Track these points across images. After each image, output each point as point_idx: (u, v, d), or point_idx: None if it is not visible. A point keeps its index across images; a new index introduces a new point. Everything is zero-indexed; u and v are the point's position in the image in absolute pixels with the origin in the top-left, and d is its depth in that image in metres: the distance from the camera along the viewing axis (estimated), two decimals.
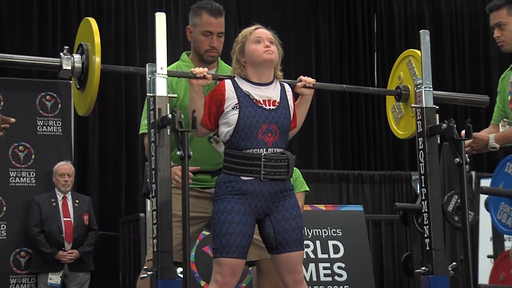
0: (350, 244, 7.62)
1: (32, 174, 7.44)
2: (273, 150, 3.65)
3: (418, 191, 3.88)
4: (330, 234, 7.65)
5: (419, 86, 3.82)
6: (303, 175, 5.66)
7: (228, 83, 3.69)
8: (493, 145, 4.53)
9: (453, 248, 6.46)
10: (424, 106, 3.79)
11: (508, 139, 4.63)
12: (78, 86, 3.61)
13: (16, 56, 3.77)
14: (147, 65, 3.44)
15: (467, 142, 4.39)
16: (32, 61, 3.83)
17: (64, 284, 7.17)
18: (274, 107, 3.67)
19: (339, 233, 7.67)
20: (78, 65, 3.52)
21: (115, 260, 7.80)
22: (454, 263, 3.77)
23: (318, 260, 7.49)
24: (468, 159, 3.73)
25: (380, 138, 9.56)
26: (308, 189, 5.57)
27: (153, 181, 3.35)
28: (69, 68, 3.51)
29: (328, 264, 7.49)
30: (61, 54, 3.52)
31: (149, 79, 3.42)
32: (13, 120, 3.78)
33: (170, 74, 3.49)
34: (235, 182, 3.60)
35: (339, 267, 7.53)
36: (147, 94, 3.41)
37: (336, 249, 7.60)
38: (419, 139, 3.79)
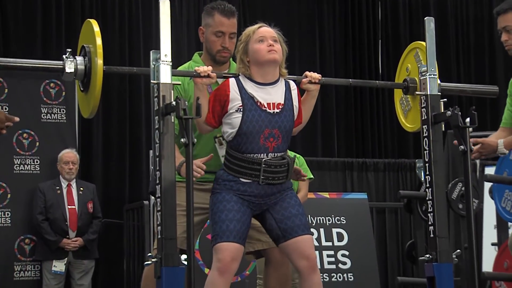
0: (354, 232, 7.62)
1: (36, 162, 7.45)
2: (274, 155, 3.67)
3: (423, 179, 3.88)
4: (334, 222, 7.65)
5: (423, 74, 3.81)
6: (307, 163, 5.67)
7: (232, 82, 3.67)
8: (502, 150, 4.51)
9: (457, 235, 6.45)
10: (428, 93, 3.79)
11: None
12: (81, 89, 3.61)
13: (19, 60, 3.80)
14: (151, 52, 3.44)
15: (475, 147, 4.40)
16: (35, 64, 3.86)
17: (69, 272, 7.19)
18: (278, 111, 3.67)
19: (343, 221, 7.68)
20: (81, 67, 3.51)
21: (119, 248, 7.82)
22: (458, 250, 3.77)
23: (322, 248, 7.49)
24: (473, 147, 3.73)
25: (384, 125, 9.56)
26: (312, 176, 5.58)
27: (157, 168, 3.35)
28: (72, 70, 3.50)
29: (332, 252, 7.50)
30: (63, 56, 3.51)
31: (153, 66, 3.42)
32: (17, 119, 3.80)
33: (174, 73, 3.49)
34: (234, 182, 3.64)
35: (343, 255, 7.54)
36: (151, 81, 3.41)
37: (340, 237, 7.61)
38: (424, 126, 3.79)
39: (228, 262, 3.54)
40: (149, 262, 3.33)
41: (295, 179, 4.08)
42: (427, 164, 3.77)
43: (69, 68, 3.50)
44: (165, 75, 3.40)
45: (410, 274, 8.04)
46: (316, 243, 7.37)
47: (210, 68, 3.67)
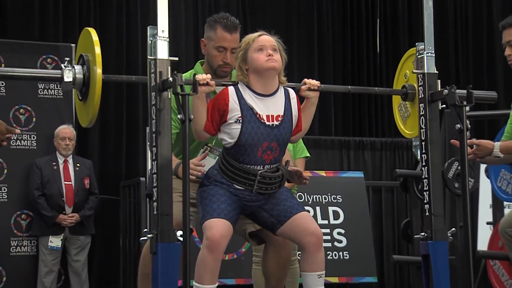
0: (350, 210, 7.65)
1: (33, 137, 7.44)
2: (270, 167, 3.67)
3: (419, 157, 3.88)
4: (330, 200, 7.67)
5: (421, 52, 3.80)
6: (304, 141, 5.66)
7: (231, 92, 3.64)
8: (497, 154, 4.50)
9: (453, 214, 6.47)
10: (426, 71, 3.78)
11: (511, 150, 4.61)
12: (80, 98, 3.59)
13: (17, 69, 3.78)
14: (148, 27, 3.42)
15: (471, 149, 4.40)
16: (33, 73, 3.89)
17: (65, 247, 7.21)
18: (277, 123, 3.65)
19: (339, 199, 7.69)
20: (79, 76, 3.49)
21: (115, 224, 7.83)
22: (454, 229, 3.78)
23: (318, 226, 7.51)
24: (469, 126, 3.73)
25: (381, 104, 9.55)
26: (308, 154, 5.57)
27: (154, 144, 3.35)
28: (71, 80, 3.48)
29: (328, 230, 7.52)
30: (62, 66, 3.50)
31: (150, 42, 3.41)
32: (18, 131, 3.81)
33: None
34: (227, 186, 3.65)
35: (338, 233, 7.56)
36: (148, 57, 3.40)
37: (336, 215, 7.62)
38: (420, 105, 3.79)
39: (217, 239, 3.52)
40: (145, 238, 3.33)
41: (297, 183, 4.08)
42: (423, 143, 3.77)
43: (68, 77, 3.48)
44: (162, 51, 3.38)
45: (406, 252, 8.07)
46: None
47: (209, 76, 3.62)
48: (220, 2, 9.01)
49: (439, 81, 3.79)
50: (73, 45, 7.72)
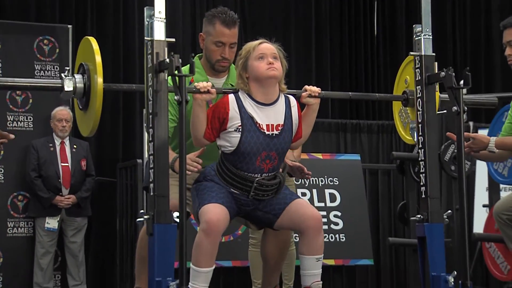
0: (347, 193, 7.65)
1: (30, 119, 7.42)
2: (267, 175, 3.68)
3: (415, 140, 3.88)
4: (327, 182, 7.68)
5: (418, 34, 3.79)
6: None
7: (232, 100, 3.64)
8: (492, 149, 4.51)
9: (449, 197, 6.48)
10: (423, 54, 3.78)
11: (506, 146, 4.62)
12: (80, 107, 3.57)
13: (17, 79, 3.77)
14: (145, 8, 3.41)
15: (467, 143, 4.40)
16: (33, 83, 3.92)
17: (61, 229, 7.21)
18: (277, 133, 3.66)
19: (336, 182, 7.70)
20: (80, 85, 3.48)
21: (112, 206, 7.84)
22: (449, 211, 3.79)
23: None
24: (466, 108, 3.73)
25: (378, 87, 9.54)
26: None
27: (150, 125, 3.35)
28: (71, 89, 3.47)
29: (324, 213, 7.53)
30: (62, 75, 3.49)
31: (147, 23, 3.40)
32: (12, 136, 3.81)
33: (171, 89, 3.45)
34: (224, 188, 3.67)
35: (335, 216, 7.57)
36: (145, 38, 3.39)
37: (332, 198, 7.63)
38: (417, 87, 3.79)
39: (214, 222, 3.53)
40: (141, 219, 3.34)
41: (299, 177, 4.08)
42: (420, 125, 3.78)
43: (68, 86, 3.47)
44: (159, 32, 3.37)
45: (402, 235, 8.09)
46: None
47: (209, 84, 3.63)
48: None
49: (436, 63, 3.79)
50: (69, 26, 7.70)
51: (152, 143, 3.33)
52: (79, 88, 3.48)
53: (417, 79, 3.79)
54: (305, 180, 7.58)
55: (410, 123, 4.00)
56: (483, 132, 6.74)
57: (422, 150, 3.76)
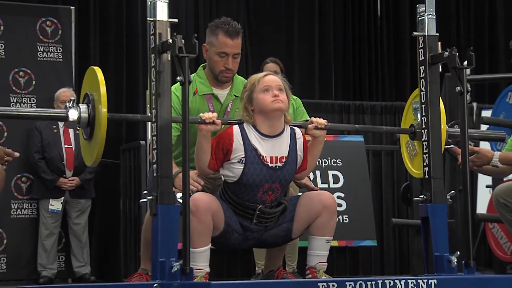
0: (350, 174, 7.64)
1: (33, 100, 7.42)
2: (270, 205, 3.68)
3: (419, 120, 3.88)
4: (330, 164, 7.67)
5: (421, 14, 3.78)
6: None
7: (236, 131, 3.65)
8: (495, 163, 4.49)
9: (452, 178, 6.48)
10: (426, 34, 3.77)
11: (510, 162, 4.60)
12: (85, 137, 3.56)
13: (21, 109, 3.76)
14: None
15: (470, 157, 4.37)
16: (38, 113, 3.94)
17: (65, 210, 7.23)
18: (280, 165, 3.66)
19: (339, 163, 7.69)
20: (84, 115, 3.46)
21: (115, 187, 7.84)
22: (453, 191, 3.79)
23: None
24: (469, 88, 3.72)
25: (382, 68, 9.52)
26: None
27: (153, 106, 3.35)
28: (75, 118, 3.46)
29: None
30: (66, 104, 3.47)
31: (149, 3, 3.40)
32: (17, 154, 3.84)
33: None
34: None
35: (338, 197, 7.56)
36: (148, 18, 3.39)
37: (336, 179, 7.63)
38: (421, 67, 3.78)
39: (199, 201, 3.56)
40: (145, 200, 3.34)
41: (307, 189, 4.08)
42: (423, 105, 3.77)
43: (72, 116, 3.45)
44: (162, 12, 3.37)
45: (405, 216, 8.09)
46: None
47: (215, 115, 3.62)
48: None
49: (439, 43, 3.77)
50: (72, 7, 7.68)
51: (155, 124, 3.33)
52: (84, 118, 3.46)
53: (420, 59, 3.78)
54: None
55: (413, 103, 3.99)
56: (486, 113, 6.74)
57: (426, 130, 3.76)
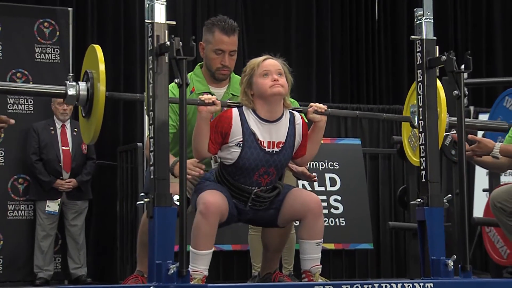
0: (347, 177, 7.65)
1: (30, 102, 7.42)
2: (265, 188, 3.69)
3: (416, 124, 3.88)
4: (327, 167, 7.67)
5: (419, 18, 3.78)
6: None
7: (235, 115, 3.64)
8: (496, 154, 4.48)
9: (449, 181, 6.49)
10: (424, 37, 3.77)
11: (511, 154, 4.60)
12: (83, 114, 3.58)
13: (20, 84, 3.76)
14: None
15: (471, 146, 4.36)
16: (37, 89, 3.94)
17: (62, 212, 7.22)
18: (277, 150, 3.66)
19: (336, 166, 7.69)
20: (83, 93, 3.48)
21: (112, 189, 7.84)
22: (449, 195, 3.79)
23: (314, 193, 7.50)
24: (467, 92, 3.73)
25: (379, 71, 9.52)
26: (306, 121, 5.57)
27: (151, 108, 3.35)
28: (74, 93, 3.47)
29: (324, 197, 7.53)
30: (66, 82, 3.49)
31: (147, 5, 3.39)
32: (12, 121, 3.81)
33: (172, 100, 3.46)
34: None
35: (335, 200, 7.57)
36: (146, 20, 3.39)
37: (333, 182, 7.63)
38: (418, 71, 3.79)
39: (211, 203, 3.56)
40: (142, 202, 3.34)
41: (306, 180, 4.07)
42: (420, 109, 3.77)
43: (71, 92, 3.47)
44: (160, 14, 3.37)
45: (402, 219, 8.09)
46: (309, 188, 7.39)
47: (214, 97, 3.62)
48: None
49: (437, 47, 3.78)
50: (70, 9, 7.67)
51: (152, 126, 3.33)
52: (82, 96, 3.49)
53: (418, 63, 3.78)
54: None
55: (411, 107, 3.99)
56: (483, 117, 6.75)
57: (423, 134, 3.76)
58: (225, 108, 3.72)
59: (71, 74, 3.56)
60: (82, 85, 3.49)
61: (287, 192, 3.75)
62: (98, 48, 3.51)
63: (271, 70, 3.65)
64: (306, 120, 3.87)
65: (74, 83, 3.49)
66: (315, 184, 7.50)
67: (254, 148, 3.62)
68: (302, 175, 4.03)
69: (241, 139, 3.61)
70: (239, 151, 3.61)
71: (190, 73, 4.11)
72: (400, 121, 4.19)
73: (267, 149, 3.64)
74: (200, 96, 3.63)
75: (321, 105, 3.77)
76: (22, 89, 3.84)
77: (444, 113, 3.89)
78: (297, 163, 3.87)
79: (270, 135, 3.65)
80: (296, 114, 3.76)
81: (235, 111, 3.66)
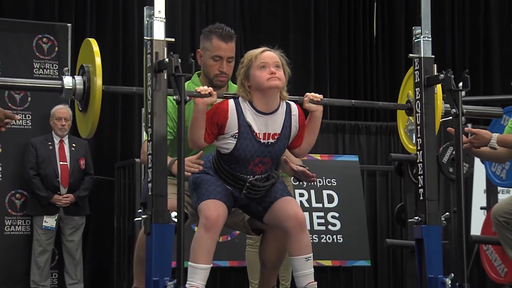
0: (345, 194, 7.65)
1: (28, 117, 7.42)
2: (260, 176, 3.70)
3: (414, 142, 3.88)
4: (325, 183, 7.68)
5: (417, 36, 3.79)
6: None
7: (231, 107, 3.63)
8: (493, 145, 4.49)
9: (447, 199, 6.48)
10: (422, 56, 3.78)
11: (508, 144, 4.61)
12: (80, 108, 3.58)
13: (17, 79, 3.76)
14: (145, 8, 3.42)
15: (468, 138, 4.37)
16: (34, 84, 3.92)
17: (59, 227, 7.21)
18: (272, 141, 3.66)
19: (334, 183, 7.70)
20: (79, 87, 3.48)
21: (110, 205, 7.84)
22: (447, 213, 3.79)
23: (312, 210, 7.52)
24: (465, 111, 3.73)
25: (377, 88, 9.55)
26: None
27: (149, 125, 3.35)
28: (71, 87, 3.47)
29: (322, 214, 7.53)
30: (62, 77, 3.49)
31: (146, 22, 3.40)
32: (17, 117, 3.80)
33: (171, 93, 3.45)
34: (220, 181, 3.69)
35: (333, 217, 7.57)
36: (145, 37, 3.39)
37: (330, 199, 7.63)
38: (416, 89, 3.79)
39: (214, 218, 3.55)
40: (139, 218, 3.34)
41: (305, 181, 4.06)
42: (418, 127, 3.78)
43: (68, 85, 3.47)
44: (159, 31, 3.38)
45: (399, 236, 8.09)
46: (307, 205, 7.40)
47: (210, 88, 3.62)
48: None
49: (435, 65, 3.79)
50: (69, 24, 7.69)
51: (150, 142, 3.34)
52: (79, 89, 3.49)
53: (416, 81, 3.79)
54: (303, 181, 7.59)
55: (408, 125, 4.00)
56: None
57: (421, 152, 3.76)
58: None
59: (66, 68, 3.54)
60: (78, 79, 3.49)
61: (278, 197, 3.75)
62: (93, 42, 3.51)
63: (269, 62, 3.64)
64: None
65: (70, 77, 3.49)
66: (313, 200, 7.50)
67: (250, 140, 3.62)
68: (302, 174, 4.02)
69: (237, 131, 3.62)
70: (235, 142, 3.62)
71: (187, 82, 4.12)
72: (396, 109, 4.18)
73: (262, 141, 3.64)
74: (197, 88, 3.63)
75: (316, 94, 3.77)
76: (19, 84, 3.81)
77: (440, 100, 3.89)
78: (295, 154, 3.86)
79: (266, 127, 3.65)
80: (293, 105, 3.75)
81: (231, 102, 3.66)
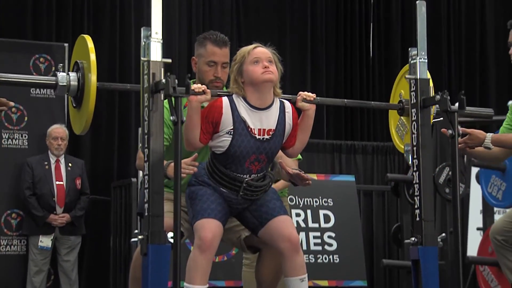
0: (341, 214, 7.65)
1: (25, 136, 7.42)
2: (257, 175, 3.69)
3: (410, 162, 3.89)
4: (321, 203, 7.67)
5: (413, 57, 3.81)
6: None
7: (226, 104, 3.64)
8: (488, 145, 4.48)
9: (443, 220, 6.49)
10: (418, 77, 3.79)
11: (502, 143, 4.61)
12: (74, 105, 3.58)
13: (11, 75, 3.76)
14: (142, 29, 3.42)
15: (461, 138, 4.38)
16: (28, 79, 3.93)
17: (55, 247, 7.19)
18: (268, 137, 3.66)
19: (330, 203, 7.69)
20: (74, 83, 3.48)
21: (106, 224, 7.83)
22: (444, 234, 3.79)
23: (308, 229, 7.52)
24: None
25: (373, 109, 9.56)
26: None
27: (146, 145, 3.35)
28: (65, 84, 3.48)
29: (318, 234, 7.52)
30: (56, 73, 3.49)
31: (143, 43, 3.41)
32: (12, 103, 3.79)
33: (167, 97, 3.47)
34: (213, 187, 3.68)
35: (329, 237, 7.56)
36: (141, 58, 3.40)
37: (326, 219, 7.63)
38: (412, 110, 3.80)
39: (209, 239, 3.54)
40: (135, 239, 3.33)
41: (302, 185, 4.06)
42: (415, 148, 3.78)
43: (62, 81, 3.47)
44: (156, 52, 3.38)
45: (396, 257, 8.09)
46: (303, 224, 7.39)
47: (204, 86, 3.63)
48: (214, 4, 9.03)
49: (431, 86, 3.80)
50: (66, 44, 7.71)
51: (147, 163, 3.34)
52: (73, 86, 3.49)
53: (412, 102, 3.80)
54: (299, 200, 7.59)
55: (405, 146, 4.00)
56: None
57: (417, 172, 3.76)
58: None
59: (61, 65, 3.54)
60: (73, 75, 3.49)
61: (276, 215, 3.74)
62: (88, 39, 3.51)
63: (262, 57, 3.65)
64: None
65: (64, 74, 3.48)
66: (309, 220, 7.50)
67: (245, 136, 3.62)
68: (298, 177, 4.01)
69: (232, 128, 3.61)
70: (230, 139, 3.61)
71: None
72: (388, 109, 4.18)
73: (257, 137, 3.64)
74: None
75: (309, 93, 3.78)
76: (14, 79, 3.80)
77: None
78: (288, 154, 3.86)
79: (261, 122, 3.66)
80: (286, 103, 3.76)
81: (225, 99, 3.66)
